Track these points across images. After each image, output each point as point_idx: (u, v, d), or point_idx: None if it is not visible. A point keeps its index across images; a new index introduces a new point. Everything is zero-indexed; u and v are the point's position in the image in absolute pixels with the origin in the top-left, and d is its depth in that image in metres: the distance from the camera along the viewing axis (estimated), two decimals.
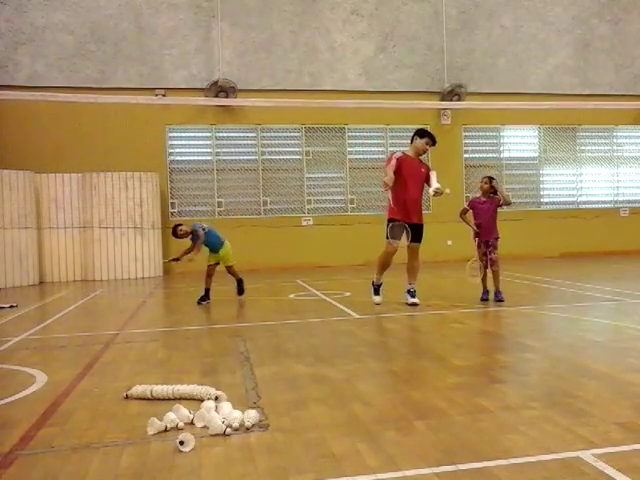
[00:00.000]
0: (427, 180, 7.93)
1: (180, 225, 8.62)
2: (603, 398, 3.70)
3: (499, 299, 7.87)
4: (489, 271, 8.03)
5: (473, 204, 8.15)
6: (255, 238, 14.37)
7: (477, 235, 8.07)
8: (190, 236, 8.51)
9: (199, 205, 14.71)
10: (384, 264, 7.91)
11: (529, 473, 2.66)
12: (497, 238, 8.05)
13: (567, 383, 4.09)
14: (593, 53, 16.36)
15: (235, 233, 12.95)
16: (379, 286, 8.04)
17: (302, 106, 13.94)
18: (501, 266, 8.05)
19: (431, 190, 7.76)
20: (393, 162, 7.70)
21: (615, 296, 8.15)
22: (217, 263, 8.67)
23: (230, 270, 8.84)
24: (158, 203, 13.65)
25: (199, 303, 8.48)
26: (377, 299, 7.98)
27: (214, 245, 8.63)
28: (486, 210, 8.03)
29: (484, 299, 8.01)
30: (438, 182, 7.83)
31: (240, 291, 8.93)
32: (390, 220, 7.84)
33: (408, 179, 7.72)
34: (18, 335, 6.53)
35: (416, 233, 7.81)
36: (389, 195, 7.84)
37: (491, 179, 8.16)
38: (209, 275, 8.57)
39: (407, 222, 7.76)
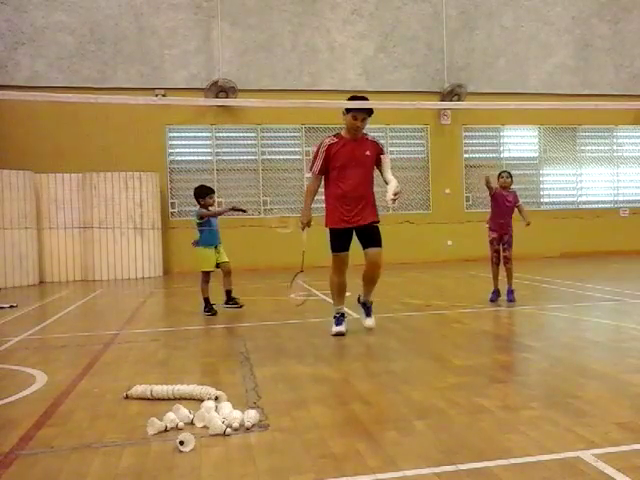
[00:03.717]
0: (378, 165, 5.94)
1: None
2: (603, 398, 3.70)
3: (511, 299, 7.65)
4: (502, 269, 7.76)
5: (497, 195, 7.73)
6: (255, 238, 14.36)
7: (493, 229, 7.79)
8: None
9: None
10: (335, 287, 6.11)
11: (529, 473, 2.66)
12: (511, 235, 7.75)
13: (567, 383, 4.09)
14: (593, 53, 16.36)
15: (235, 233, 12.99)
16: (341, 315, 6.09)
17: (302, 106, 13.92)
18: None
19: (388, 197, 5.69)
20: (320, 154, 5.87)
21: (615, 296, 8.14)
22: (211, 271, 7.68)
23: (227, 268, 7.69)
24: (158, 203, 13.65)
25: (210, 312, 7.55)
26: (336, 329, 5.97)
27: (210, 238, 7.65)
28: (509, 204, 7.73)
29: (492, 300, 7.75)
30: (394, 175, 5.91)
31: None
32: (329, 229, 6.01)
33: (345, 168, 5.81)
34: (18, 335, 6.53)
35: (369, 236, 5.93)
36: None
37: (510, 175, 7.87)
38: (206, 282, 7.66)
39: (350, 227, 5.92)
